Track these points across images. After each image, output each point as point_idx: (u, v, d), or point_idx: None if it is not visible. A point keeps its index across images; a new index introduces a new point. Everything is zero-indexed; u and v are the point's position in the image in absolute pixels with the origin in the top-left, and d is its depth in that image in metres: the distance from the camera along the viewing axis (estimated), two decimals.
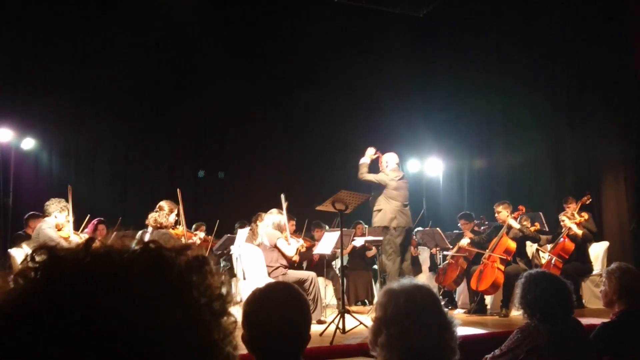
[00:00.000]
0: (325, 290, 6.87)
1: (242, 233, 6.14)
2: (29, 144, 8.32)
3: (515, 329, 2.61)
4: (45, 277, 0.54)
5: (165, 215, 5.31)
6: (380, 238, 6.30)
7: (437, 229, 7.32)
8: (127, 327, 0.52)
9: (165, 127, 9.58)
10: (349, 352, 4.10)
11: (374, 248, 7.56)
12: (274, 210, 5.98)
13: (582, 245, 6.62)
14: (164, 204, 5.40)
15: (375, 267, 7.48)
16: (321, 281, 6.74)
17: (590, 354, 2.52)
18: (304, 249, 6.27)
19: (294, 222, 7.14)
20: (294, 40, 9.71)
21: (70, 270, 0.54)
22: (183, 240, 5.55)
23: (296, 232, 6.99)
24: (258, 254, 5.71)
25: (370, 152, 6.41)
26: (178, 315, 0.55)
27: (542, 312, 2.48)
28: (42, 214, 5.63)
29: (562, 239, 6.58)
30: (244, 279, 5.78)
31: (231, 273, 6.20)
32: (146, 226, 5.41)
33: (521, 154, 8.84)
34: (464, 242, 6.71)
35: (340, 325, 4.73)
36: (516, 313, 5.54)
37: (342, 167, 9.80)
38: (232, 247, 6.35)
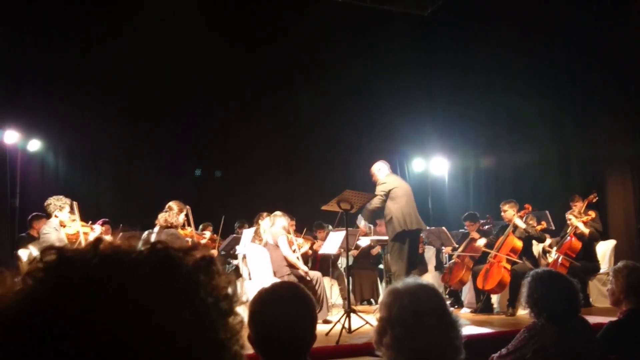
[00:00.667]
0: (331, 290, 6.88)
1: (248, 233, 6.15)
2: (35, 145, 8.37)
3: (522, 328, 2.60)
4: (54, 277, 0.54)
5: (175, 215, 5.41)
6: (386, 238, 6.23)
7: (443, 228, 7.27)
8: (135, 327, 0.52)
9: (167, 128, 9.59)
10: (355, 351, 4.10)
11: (378, 246, 7.53)
12: (278, 213, 5.99)
13: (589, 243, 6.59)
14: (173, 204, 5.47)
15: (381, 266, 7.47)
16: (327, 281, 6.74)
17: (598, 353, 2.51)
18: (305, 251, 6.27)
19: (293, 223, 7.15)
20: (297, 40, 9.68)
21: (78, 271, 0.54)
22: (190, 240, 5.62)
23: (296, 232, 7.01)
24: (264, 254, 5.73)
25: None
26: (185, 315, 0.55)
27: (548, 311, 2.46)
28: (45, 215, 5.67)
29: (568, 238, 6.55)
30: (250, 279, 5.79)
31: (237, 273, 6.22)
32: (153, 226, 5.47)
33: (527, 152, 8.80)
34: (482, 242, 6.64)
35: (347, 325, 4.74)
36: (523, 312, 5.53)
37: (346, 167, 9.81)
38: (237, 247, 6.38)
